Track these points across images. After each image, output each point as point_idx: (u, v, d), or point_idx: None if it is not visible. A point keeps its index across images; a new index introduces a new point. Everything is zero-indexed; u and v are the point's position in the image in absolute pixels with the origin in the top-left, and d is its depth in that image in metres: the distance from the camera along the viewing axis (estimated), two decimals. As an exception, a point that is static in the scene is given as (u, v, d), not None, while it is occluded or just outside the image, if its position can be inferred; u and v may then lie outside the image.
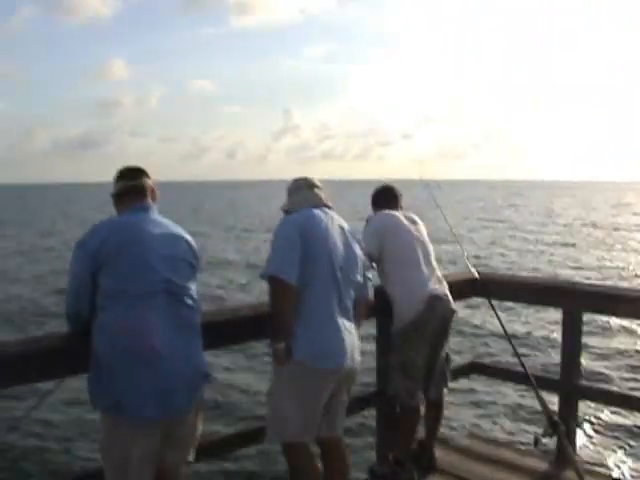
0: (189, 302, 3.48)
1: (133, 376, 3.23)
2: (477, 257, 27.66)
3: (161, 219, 3.63)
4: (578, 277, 22.40)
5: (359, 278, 4.07)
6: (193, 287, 3.56)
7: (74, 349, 3.44)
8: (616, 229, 44.73)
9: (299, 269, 3.72)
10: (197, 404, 3.54)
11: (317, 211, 3.99)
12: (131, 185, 3.65)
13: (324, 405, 3.89)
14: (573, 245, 34.94)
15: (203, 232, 40.52)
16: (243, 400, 10.64)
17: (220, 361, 12.12)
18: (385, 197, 5.05)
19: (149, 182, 3.71)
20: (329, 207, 4.11)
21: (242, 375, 11.94)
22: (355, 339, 3.96)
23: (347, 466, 4.11)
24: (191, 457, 3.67)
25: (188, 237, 3.67)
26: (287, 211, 4.07)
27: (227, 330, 4.09)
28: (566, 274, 23.56)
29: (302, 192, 4.11)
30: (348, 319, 3.95)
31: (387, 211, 4.89)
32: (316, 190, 4.12)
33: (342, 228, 4.05)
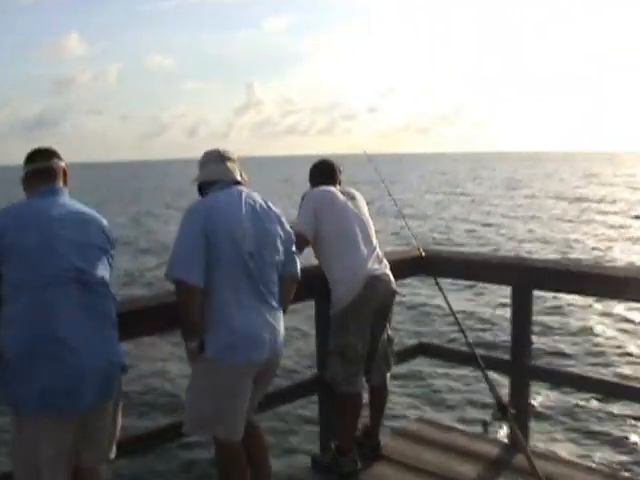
0: (102, 291, 3.29)
1: (37, 371, 3.03)
2: (434, 232, 27.78)
3: (72, 203, 3.42)
4: (537, 251, 22.52)
5: (280, 256, 3.87)
6: (107, 275, 3.36)
7: None
8: (580, 200, 44.59)
9: (207, 262, 3.55)
10: (114, 398, 3.36)
11: (224, 195, 3.78)
12: (39, 167, 3.45)
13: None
14: (536, 218, 34.81)
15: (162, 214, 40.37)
16: (173, 391, 10.36)
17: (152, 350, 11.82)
18: (320, 171, 4.84)
19: (60, 164, 3.51)
20: (241, 183, 3.91)
21: (171, 364, 11.65)
22: (277, 325, 3.80)
23: (267, 453, 4.07)
24: (112, 454, 3.50)
25: (102, 221, 3.47)
26: (199, 186, 3.93)
27: (147, 319, 3.94)
28: (525, 248, 23.59)
29: (213, 165, 3.92)
30: (266, 305, 3.76)
31: (323, 187, 4.66)
32: (229, 163, 3.91)
33: (254, 207, 3.82)
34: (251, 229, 3.72)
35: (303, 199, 4.61)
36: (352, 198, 4.66)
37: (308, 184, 4.85)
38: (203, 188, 3.89)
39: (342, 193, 4.65)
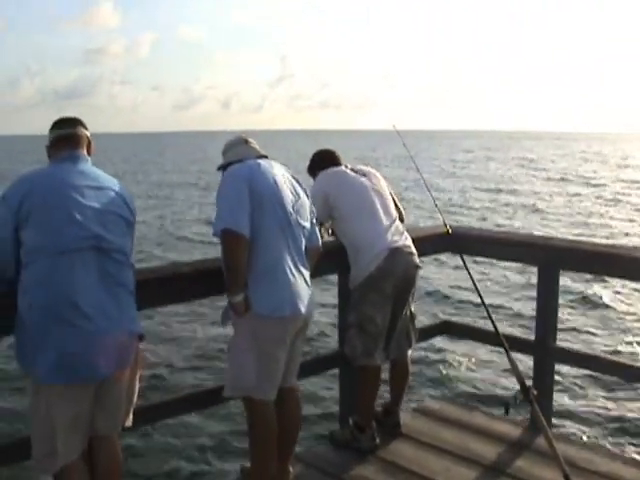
0: (121, 259, 3.28)
1: (52, 337, 3.04)
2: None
3: (92, 170, 3.40)
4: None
5: (308, 225, 3.98)
6: (127, 243, 3.36)
7: (2, 309, 3.25)
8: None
9: (250, 220, 3.62)
10: (131, 366, 3.37)
11: (259, 160, 3.90)
12: (62, 134, 3.43)
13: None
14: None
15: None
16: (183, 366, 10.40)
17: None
18: (321, 159, 4.81)
19: (84, 132, 3.49)
20: (267, 157, 4.02)
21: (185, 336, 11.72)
22: (308, 287, 3.92)
23: (299, 416, 4.15)
24: (128, 422, 3.53)
25: (123, 190, 3.46)
26: (226, 166, 3.96)
27: (167, 288, 3.94)
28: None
29: (238, 147, 4.03)
30: (303, 266, 3.91)
31: (330, 169, 4.65)
32: (251, 144, 4.04)
33: (286, 175, 3.97)
34: (289, 193, 3.87)
35: (313, 186, 4.61)
36: (364, 174, 4.62)
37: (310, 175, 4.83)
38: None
39: (352, 170, 4.63)
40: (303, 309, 3.80)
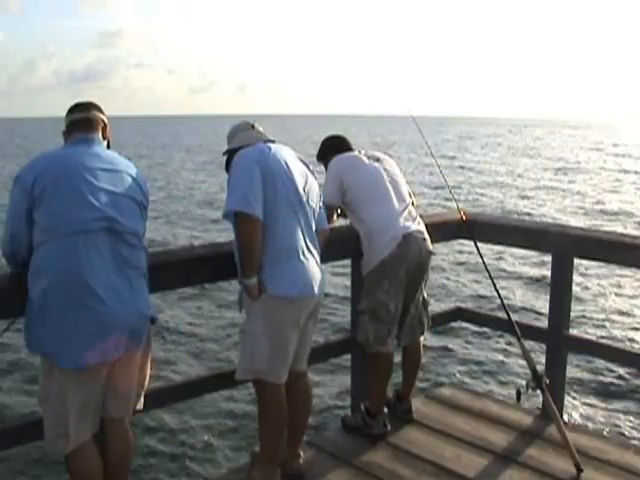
0: (134, 242, 3.28)
1: (64, 319, 3.06)
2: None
3: (106, 152, 3.41)
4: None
5: (317, 208, 4.00)
6: (140, 226, 3.36)
7: (15, 289, 3.24)
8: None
9: (263, 201, 3.62)
10: (143, 348, 3.39)
11: (269, 143, 3.91)
12: (77, 118, 3.43)
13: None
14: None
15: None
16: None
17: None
18: (332, 144, 4.79)
19: (99, 116, 3.49)
20: (274, 142, 4.01)
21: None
22: (320, 268, 3.93)
23: (310, 400, 4.15)
24: (139, 405, 3.55)
25: (137, 173, 3.45)
26: (232, 151, 3.96)
27: (180, 272, 3.96)
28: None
29: (244, 132, 4.04)
30: (315, 248, 3.91)
31: (344, 154, 4.64)
32: (258, 129, 4.06)
33: (295, 158, 3.98)
34: (299, 176, 3.88)
35: (326, 171, 4.62)
36: (377, 159, 4.60)
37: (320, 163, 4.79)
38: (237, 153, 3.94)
39: (366, 156, 4.60)
40: (316, 290, 3.81)
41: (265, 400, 3.84)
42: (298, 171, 3.88)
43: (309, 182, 3.93)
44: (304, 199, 3.83)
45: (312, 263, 3.83)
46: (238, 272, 3.75)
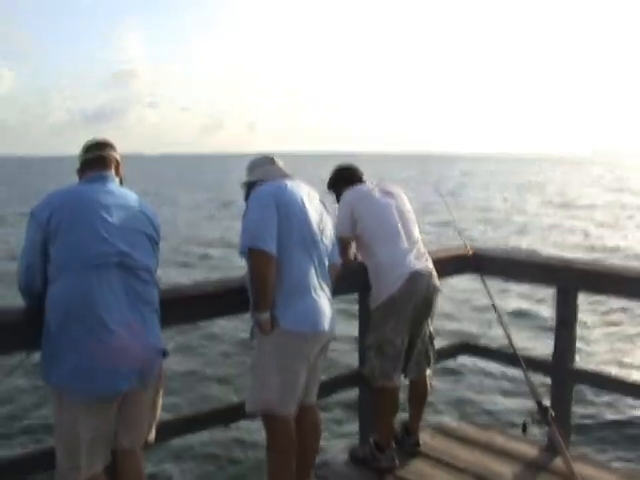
0: (145, 277, 3.36)
1: (77, 352, 3.11)
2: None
3: (120, 189, 3.50)
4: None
5: (331, 245, 4.06)
6: (151, 261, 3.44)
7: (30, 323, 3.30)
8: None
9: (277, 238, 3.69)
10: (154, 381, 3.44)
11: (286, 180, 3.97)
12: (91, 156, 3.54)
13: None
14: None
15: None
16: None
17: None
18: (344, 175, 4.85)
19: (113, 154, 3.60)
20: (291, 177, 4.08)
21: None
22: (331, 305, 3.97)
23: (319, 433, 4.17)
24: (151, 437, 3.59)
25: (148, 210, 3.55)
26: (251, 184, 4.03)
27: (191, 307, 4.02)
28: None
29: (266, 166, 4.10)
30: (326, 284, 3.97)
31: (357, 186, 4.70)
32: (277, 164, 4.12)
33: (311, 195, 4.04)
34: (314, 213, 3.96)
35: (339, 203, 4.66)
36: (388, 193, 4.65)
37: (331, 192, 4.86)
38: (255, 187, 3.98)
39: (378, 189, 4.65)
40: (327, 326, 3.86)
41: (274, 433, 3.87)
42: (313, 208, 3.95)
43: (324, 219, 4.00)
44: (318, 236, 3.89)
45: (324, 299, 3.88)
46: (250, 307, 3.80)
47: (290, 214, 3.78)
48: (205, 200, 46.67)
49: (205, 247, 25.15)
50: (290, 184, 3.94)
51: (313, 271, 3.86)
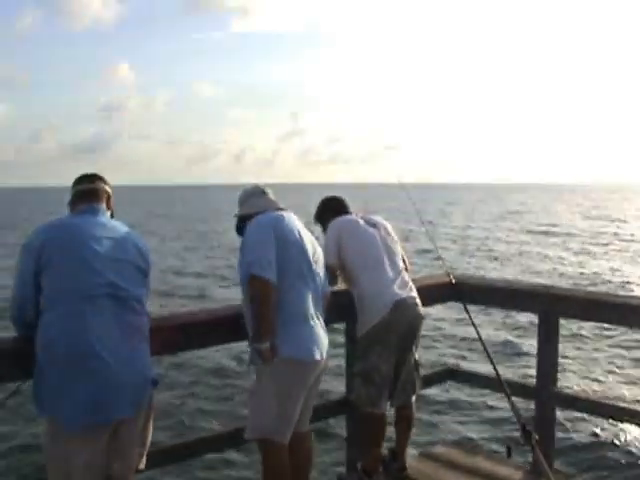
0: (136, 307, 3.41)
1: (69, 382, 3.15)
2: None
3: (110, 222, 3.57)
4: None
5: (323, 274, 4.17)
6: (141, 291, 3.49)
7: (22, 353, 3.35)
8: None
9: (277, 267, 3.77)
10: (145, 410, 3.49)
11: (281, 211, 4.08)
12: (83, 189, 3.61)
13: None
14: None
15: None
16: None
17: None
18: (331, 206, 4.97)
19: (104, 187, 3.67)
20: (284, 210, 4.17)
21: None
22: (326, 333, 4.07)
23: (311, 461, 4.22)
24: (142, 465, 3.63)
25: (139, 241, 3.61)
26: (244, 217, 4.12)
27: (184, 335, 4.07)
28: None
29: (257, 197, 4.19)
30: (320, 313, 4.07)
31: (344, 216, 4.81)
32: (269, 195, 4.22)
33: (303, 227, 4.15)
34: (308, 244, 4.07)
35: (325, 234, 4.77)
36: (374, 224, 4.75)
37: (317, 223, 4.98)
38: (246, 220, 4.06)
39: (363, 220, 4.75)
40: (324, 355, 3.95)
41: (270, 460, 3.93)
42: (308, 239, 4.06)
43: (317, 251, 4.12)
44: (313, 267, 4.00)
45: (319, 327, 3.98)
46: (250, 336, 3.85)
47: (288, 244, 3.87)
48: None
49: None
50: (286, 215, 4.04)
51: (310, 300, 3.94)
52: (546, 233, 43.68)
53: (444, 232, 42.62)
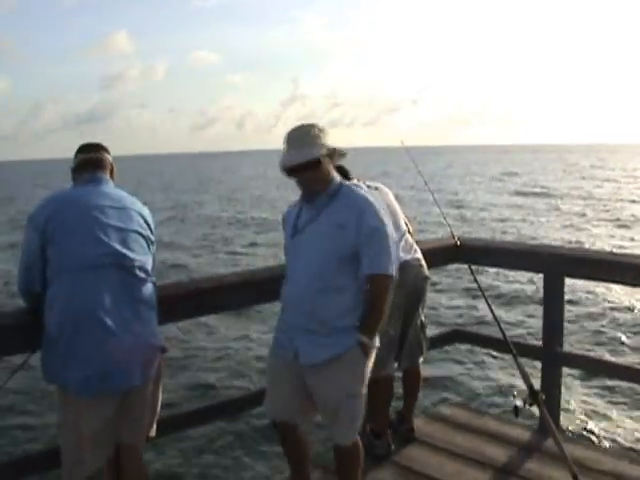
0: (141, 275, 3.41)
1: (78, 351, 3.18)
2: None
3: (114, 191, 3.55)
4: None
5: None
6: (147, 260, 3.49)
7: (31, 325, 3.36)
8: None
9: None
10: (154, 377, 3.50)
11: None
12: (85, 158, 3.59)
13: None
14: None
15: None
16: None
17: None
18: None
19: (107, 157, 3.64)
20: None
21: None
22: None
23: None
24: (152, 432, 3.65)
25: (143, 210, 3.60)
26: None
27: (187, 303, 4.09)
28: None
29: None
30: None
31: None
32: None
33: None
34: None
35: None
36: (376, 188, 4.72)
37: None
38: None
39: (365, 186, 4.70)
40: None
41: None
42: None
43: None
44: None
45: None
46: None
47: None
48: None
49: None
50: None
51: None
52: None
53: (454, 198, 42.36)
